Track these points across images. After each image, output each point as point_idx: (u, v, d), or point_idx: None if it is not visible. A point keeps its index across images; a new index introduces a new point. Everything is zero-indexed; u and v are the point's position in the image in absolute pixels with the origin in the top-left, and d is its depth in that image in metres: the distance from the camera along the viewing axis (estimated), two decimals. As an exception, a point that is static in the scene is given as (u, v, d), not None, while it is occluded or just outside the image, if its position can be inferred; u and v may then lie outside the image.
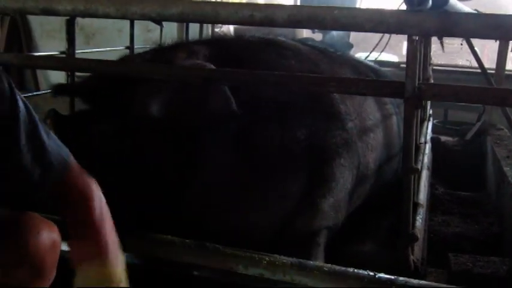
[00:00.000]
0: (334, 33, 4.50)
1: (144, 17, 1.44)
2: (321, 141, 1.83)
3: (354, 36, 4.95)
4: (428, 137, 2.90)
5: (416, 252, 1.62)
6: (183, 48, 1.84)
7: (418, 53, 1.38)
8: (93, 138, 1.66)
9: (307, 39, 3.79)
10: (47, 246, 1.26)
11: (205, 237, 1.53)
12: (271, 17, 1.37)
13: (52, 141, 1.24)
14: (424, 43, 1.96)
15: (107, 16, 1.56)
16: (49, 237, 1.28)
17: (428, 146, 2.80)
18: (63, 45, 2.35)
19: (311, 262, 1.46)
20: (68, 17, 2.28)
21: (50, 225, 1.31)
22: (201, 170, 1.68)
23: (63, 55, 2.42)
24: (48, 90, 3.68)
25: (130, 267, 1.57)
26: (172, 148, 1.65)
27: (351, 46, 4.63)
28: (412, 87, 1.37)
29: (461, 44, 3.98)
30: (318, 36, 4.76)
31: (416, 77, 1.38)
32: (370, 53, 4.61)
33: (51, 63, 2.04)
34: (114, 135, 1.64)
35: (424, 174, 2.11)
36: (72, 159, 1.27)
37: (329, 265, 1.45)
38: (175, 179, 1.66)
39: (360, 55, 4.62)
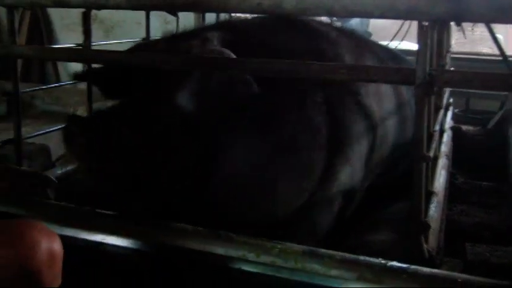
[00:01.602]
0: (353, 21, 4.47)
1: (154, 7, 1.45)
2: (339, 112, 1.86)
3: (373, 24, 4.91)
4: (448, 126, 2.85)
5: (432, 241, 1.61)
6: (196, 36, 1.82)
7: (429, 39, 1.36)
8: (122, 136, 1.61)
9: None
10: (43, 258, 1.23)
11: (233, 223, 1.55)
12: (279, 4, 1.37)
13: None
14: (438, 29, 1.94)
15: (118, 7, 1.57)
16: (47, 248, 1.25)
17: (447, 135, 2.77)
18: (82, 38, 2.38)
19: (322, 250, 1.46)
20: (83, 10, 2.32)
21: (49, 235, 1.29)
22: (227, 156, 1.70)
23: (80, 47, 2.45)
24: (68, 82, 3.75)
25: (143, 255, 1.60)
26: (199, 137, 1.66)
27: (369, 35, 4.59)
28: (422, 73, 1.35)
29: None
30: (336, 24, 4.72)
31: (427, 63, 1.36)
32: (390, 41, 4.56)
33: (66, 54, 2.05)
34: (141, 128, 1.62)
35: (441, 163, 2.08)
36: None
37: (341, 253, 1.45)
38: (202, 167, 1.68)
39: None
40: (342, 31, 2.37)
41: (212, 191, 1.70)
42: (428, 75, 1.35)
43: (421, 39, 1.36)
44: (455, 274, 1.40)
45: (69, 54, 2.03)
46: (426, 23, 1.33)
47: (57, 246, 1.29)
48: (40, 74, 6.00)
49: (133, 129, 1.58)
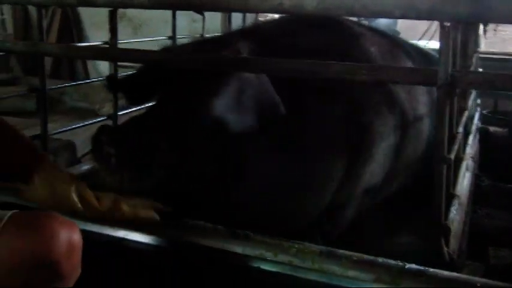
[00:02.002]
0: (381, 20, 4.43)
1: (173, 7, 1.46)
2: (360, 108, 1.87)
3: (401, 23, 4.86)
4: (474, 127, 2.82)
5: (453, 244, 1.60)
6: (225, 44, 1.79)
7: (451, 40, 1.35)
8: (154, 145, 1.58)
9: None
10: (62, 249, 1.24)
11: (260, 226, 1.55)
12: (300, 4, 1.36)
13: None
14: (463, 30, 1.92)
15: (141, 6, 1.59)
16: (66, 239, 1.26)
17: (474, 137, 2.73)
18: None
19: (340, 250, 1.45)
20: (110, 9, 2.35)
21: (69, 226, 1.30)
22: (254, 164, 1.72)
23: (106, 45, 2.48)
24: (96, 79, 3.80)
25: (161, 253, 1.62)
26: (229, 144, 1.67)
27: (397, 34, 4.55)
28: (444, 75, 1.34)
29: None
30: (363, 22, 4.68)
31: (449, 64, 1.35)
32: (418, 40, 4.52)
33: (91, 52, 2.08)
34: (173, 136, 1.60)
35: (465, 165, 2.06)
36: None
37: (358, 254, 1.44)
38: (230, 173, 1.70)
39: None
40: (375, 31, 2.36)
41: (238, 199, 1.73)
42: (450, 77, 1.34)
43: (443, 39, 1.34)
44: (475, 278, 1.38)
45: (95, 52, 2.05)
46: (448, 24, 1.31)
47: (77, 236, 1.30)
48: (70, 71, 6.11)
49: (165, 138, 1.57)
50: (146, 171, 1.51)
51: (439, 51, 1.36)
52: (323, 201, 1.87)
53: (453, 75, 1.34)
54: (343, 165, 1.84)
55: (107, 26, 2.20)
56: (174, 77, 1.66)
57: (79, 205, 1.51)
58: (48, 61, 5.95)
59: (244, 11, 2.06)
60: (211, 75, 1.61)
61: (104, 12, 2.23)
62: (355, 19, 2.39)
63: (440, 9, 1.29)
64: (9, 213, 1.30)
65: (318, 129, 1.80)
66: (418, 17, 1.30)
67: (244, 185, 1.72)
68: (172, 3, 1.48)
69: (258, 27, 2.18)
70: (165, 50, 1.87)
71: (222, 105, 1.59)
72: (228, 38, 1.89)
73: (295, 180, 1.78)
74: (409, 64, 2.24)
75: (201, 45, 1.87)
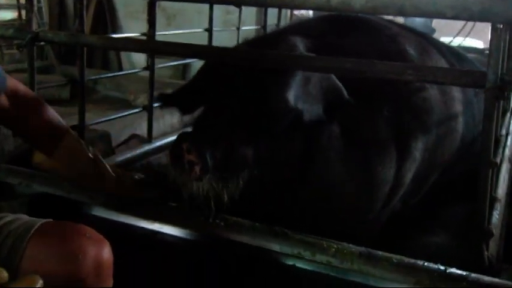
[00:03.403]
0: (417, 18, 4.37)
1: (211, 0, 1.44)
2: (401, 110, 1.87)
3: (437, 20, 4.78)
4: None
5: (492, 248, 1.57)
6: (280, 41, 1.77)
7: (503, 42, 1.31)
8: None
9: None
10: (90, 268, 1.22)
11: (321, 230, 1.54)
12: (348, 2, 1.35)
13: None
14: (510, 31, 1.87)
15: None
16: (94, 256, 1.24)
17: (511, 138, 2.68)
18: (145, 26, 2.43)
19: (380, 252, 1.43)
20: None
21: (97, 241, 1.28)
22: (317, 164, 1.71)
23: (144, 37, 2.50)
24: (131, 71, 3.82)
25: (199, 247, 1.62)
26: (298, 143, 1.67)
27: (433, 31, 4.49)
28: (494, 77, 1.31)
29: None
30: (398, 20, 4.62)
31: (499, 67, 1.32)
32: (454, 38, 4.45)
33: (133, 45, 2.09)
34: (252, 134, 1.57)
35: (505, 168, 2.02)
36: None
37: (398, 256, 1.43)
38: (297, 174, 1.69)
39: (443, 40, 4.46)
40: (411, 30, 2.34)
41: (305, 197, 1.73)
42: (500, 80, 1.31)
43: (495, 42, 1.31)
44: (518, 285, 1.35)
45: (136, 45, 2.06)
46: (500, 25, 1.28)
47: (106, 254, 1.28)
48: (103, 60, 6.15)
49: (247, 141, 1.55)
50: (233, 177, 1.50)
51: (489, 53, 1.33)
52: (377, 205, 1.88)
53: (503, 78, 1.31)
54: (393, 169, 1.85)
55: (141, 16, 2.22)
56: (230, 78, 1.62)
57: (97, 170, 1.58)
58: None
59: (292, 7, 2.03)
60: (271, 71, 1.57)
61: (138, 1, 2.24)
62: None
63: (493, 11, 1.26)
64: (38, 223, 1.29)
65: (373, 129, 1.81)
66: (471, 18, 1.28)
67: (315, 179, 1.71)
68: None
69: (303, 25, 2.16)
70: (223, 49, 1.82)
71: (294, 97, 1.57)
72: (280, 34, 1.87)
73: (361, 179, 1.79)
74: (443, 63, 2.21)
75: (255, 43, 1.85)
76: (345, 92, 1.64)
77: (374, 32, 2.05)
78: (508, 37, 1.44)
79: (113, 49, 4.94)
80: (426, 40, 2.30)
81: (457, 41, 4.45)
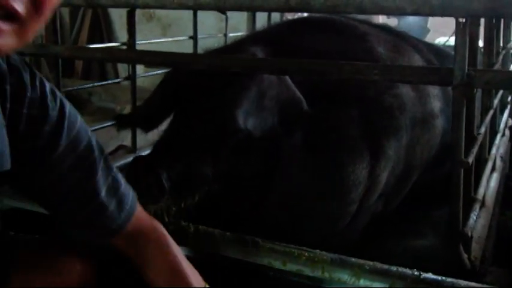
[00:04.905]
0: (411, 18, 4.33)
1: (181, 6, 1.42)
2: (373, 110, 1.83)
3: (433, 21, 4.74)
4: (503, 126, 2.70)
5: (476, 250, 1.52)
6: (242, 52, 1.76)
7: (468, 37, 1.27)
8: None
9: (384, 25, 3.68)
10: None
11: (289, 235, 1.51)
12: (307, 1, 1.31)
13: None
14: (487, 25, 1.83)
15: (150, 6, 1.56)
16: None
17: (503, 136, 2.62)
18: (141, 37, 2.40)
19: (352, 259, 1.39)
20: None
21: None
22: (281, 172, 1.70)
23: (124, 46, 2.47)
24: (112, 81, 3.81)
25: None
26: (258, 154, 1.66)
27: (427, 31, 4.44)
28: (461, 74, 1.27)
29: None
30: (393, 21, 4.59)
31: (465, 63, 1.27)
32: (449, 37, 4.39)
33: (105, 55, 2.07)
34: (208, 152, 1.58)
35: (490, 166, 1.96)
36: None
37: (371, 262, 1.38)
38: (260, 184, 1.69)
39: (439, 40, 4.42)
40: (384, 29, 2.30)
41: (268, 207, 1.72)
42: (466, 76, 1.26)
43: (459, 37, 1.27)
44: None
45: (109, 55, 2.04)
46: (463, 20, 1.24)
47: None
48: (101, 72, 6.15)
49: (200, 159, 1.55)
50: (190, 195, 1.52)
51: (455, 49, 1.28)
52: (352, 208, 1.83)
53: (470, 74, 1.27)
54: (366, 169, 1.80)
55: (138, 27, 2.21)
56: (189, 92, 1.62)
57: None
58: (79, 63, 6.00)
59: (250, 9, 2.01)
60: (228, 84, 1.58)
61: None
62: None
63: (454, 5, 1.22)
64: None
65: (339, 132, 1.77)
66: (432, 13, 1.24)
67: (278, 189, 1.70)
68: (180, 3, 1.42)
69: (268, 31, 2.15)
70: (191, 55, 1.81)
71: (244, 114, 1.56)
72: (243, 44, 1.86)
73: (327, 186, 1.76)
74: (417, 61, 2.16)
75: (218, 52, 1.84)
76: (304, 104, 1.62)
77: (341, 33, 2.02)
78: (474, 31, 1.40)
79: (80, 59, 4.93)
80: (400, 38, 2.26)
81: (452, 41, 4.39)
